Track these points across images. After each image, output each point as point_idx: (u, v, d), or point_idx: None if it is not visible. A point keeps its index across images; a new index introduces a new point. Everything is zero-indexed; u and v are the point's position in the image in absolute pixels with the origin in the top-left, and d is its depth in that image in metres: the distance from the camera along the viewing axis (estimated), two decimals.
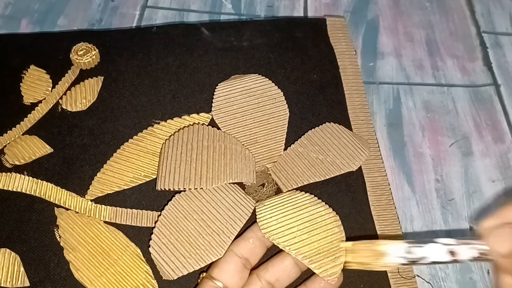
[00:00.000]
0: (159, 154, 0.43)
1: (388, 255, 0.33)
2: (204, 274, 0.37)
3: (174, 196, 0.40)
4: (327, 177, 0.42)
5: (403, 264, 0.33)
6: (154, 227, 0.39)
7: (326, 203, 0.41)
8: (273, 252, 0.39)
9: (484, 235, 0.29)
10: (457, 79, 0.52)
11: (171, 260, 0.37)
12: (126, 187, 0.42)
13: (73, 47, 0.49)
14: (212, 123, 0.45)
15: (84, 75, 0.49)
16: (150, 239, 0.39)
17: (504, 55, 0.54)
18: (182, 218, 0.39)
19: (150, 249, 0.38)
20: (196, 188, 0.40)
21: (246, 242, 0.37)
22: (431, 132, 0.48)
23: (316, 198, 0.40)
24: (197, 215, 0.39)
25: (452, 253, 0.31)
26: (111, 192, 0.42)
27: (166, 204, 0.40)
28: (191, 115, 0.46)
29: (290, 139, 0.45)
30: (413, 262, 0.32)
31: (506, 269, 0.27)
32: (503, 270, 0.28)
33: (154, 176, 0.43)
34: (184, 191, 0.41)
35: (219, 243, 0.38)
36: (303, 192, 0.40)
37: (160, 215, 0.40)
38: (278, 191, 0.42)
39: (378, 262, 0.33)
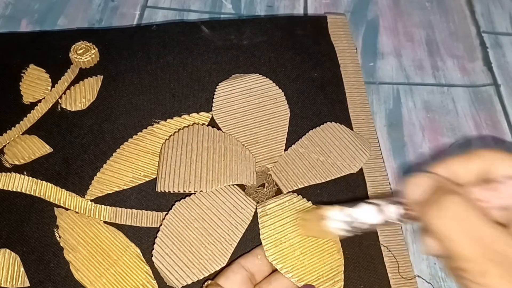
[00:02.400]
0: (158, 154, 0.43)
1: (330, 218, 0.34)
2: (210, 281, 0.37)
3: (174, 204, 0.40)
4: (328, 179, 0.42)
5: (345, 230, 0.34)
6: (156, 236, 0.39)
7: (326, 203, 0.41)
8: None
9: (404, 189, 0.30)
10: (457, 79, 0.52)
11: (174, 270, 0.37)
12: (126, 187, 0.42)
13: (73, 46, 0.49)
14: (212, 123, 0.45)
15: (83, 74, 0.48)
16: (153, 248, 0.39)
17: (504, 55, 0.54)
18: (184, 227, 0.39)
19: (153, 258, 0.38)
20: (196, 191, 0.40)
21: (254, 258, 0.38)
22: (431, 132, 0.48)
23: None
24: (198, 223, 0.39)
25: (381, 211, 0.31)
26: (111, 192, 0.42)
27: (167, 213, 0.40)
28: (191, 115, 0.46)
29: (291, 138, 0.45)
30: (353, 227, 0.33)
31: (420, 217, 0.28)
32: (419, 220, 0.28)
33: (154, 176, 0.43)
34: (184, 195, 0.41)
35: (221, 252, 0.38)
36: (304, 200, 0.41)
37: (161, 224, 0.40)
38: (279, 192, 0.42)
39: (323, 227, 0.35)
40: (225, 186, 0.41)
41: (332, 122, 0.46)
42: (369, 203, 0.32)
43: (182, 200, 0.40)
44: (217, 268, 0.38)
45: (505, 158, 0.27)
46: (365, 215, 0.32)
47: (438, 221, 0.26)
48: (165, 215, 0.40)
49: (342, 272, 0.38)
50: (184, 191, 0.40)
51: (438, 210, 0.26)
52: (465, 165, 0.28)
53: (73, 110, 0.46)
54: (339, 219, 0.34)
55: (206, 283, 0.37)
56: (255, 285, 0.37)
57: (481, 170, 0.28)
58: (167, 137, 0.44)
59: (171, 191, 0.40)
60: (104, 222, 0.41)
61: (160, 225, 0.40)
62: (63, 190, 0.42)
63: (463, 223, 0.25)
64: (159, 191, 0.41)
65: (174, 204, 0.40)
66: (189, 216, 0.40)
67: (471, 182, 0.28)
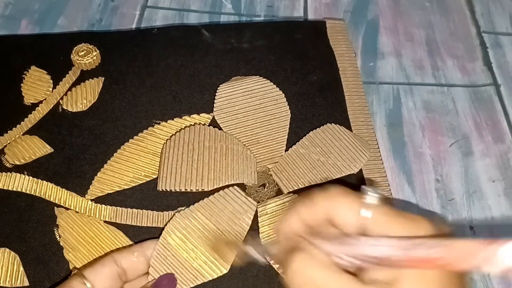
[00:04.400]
0: (160, 154, 0.43)
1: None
2: (76, 271, 0.35)
3: (174, 216, 0.39)
4: (328, 180, 0.42)
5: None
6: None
7: None
8: None
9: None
10: (457, 79, 0.52)
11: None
12: (126, 187, 0.42)
13: (74, 48, 0.49)
14: (213, 124, 0.45)
15: (84, 75, 0.49)
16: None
17: (504, 55, 0.54)
18: (180, 245, 0.38)
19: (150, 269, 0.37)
20: (198, 190, 0.40)
21: (130, 254, 0.36)
22: (431, 132, 0.48)
23: None
24: (200, 233, 0.39)
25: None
26: (111, 191, 0.42)
27: (168, 222, 0.39)
28: (191, 116, 0.46)
29: (290, 140, 0.45)
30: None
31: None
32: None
33: (155, 176, 0.43)
34: (185, 194, 0.41)
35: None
36: None
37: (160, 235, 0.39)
38: (279, 192, 0.42)
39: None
40: (224, 191, 0.41)
41: (332, 123, 0.46)
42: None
43: (182, 211, 0.40)
44: (216, 276, 0.37)
45: (339, 203, 0.28)
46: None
47: (287, 279, 0.27)
48: (165, 215, 0.40)
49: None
50: (185, 189, 0.40)
51: (286, 268, 0.27)
52: (311, 212, 0.29)
53: (74, 111, 0.46)
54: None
55: (73, 272, 0.35)
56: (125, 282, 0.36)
57: (326, 216, 0.29)
58: (168, 138, 0.44)
59: (173, 190, 0.40)
60: (104, 221, 0.41)
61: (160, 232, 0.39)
62: (63, 190, 0.42)
63: (304, 276, 0.27)
64: (160, 190, 0.41)
65: (174, 216, 0.39)
66: (188, 226, 0.39)
67: (324, 230, 0.29)
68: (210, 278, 0.37)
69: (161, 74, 0.49)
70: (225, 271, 0.37)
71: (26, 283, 0.38)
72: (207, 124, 0.45)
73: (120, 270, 0.35)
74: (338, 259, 0.27)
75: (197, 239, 0.38)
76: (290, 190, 0.42)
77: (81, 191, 0.42)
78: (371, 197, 0.28)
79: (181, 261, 0.37)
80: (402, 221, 0.27)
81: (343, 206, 0.28)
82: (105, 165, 0.43)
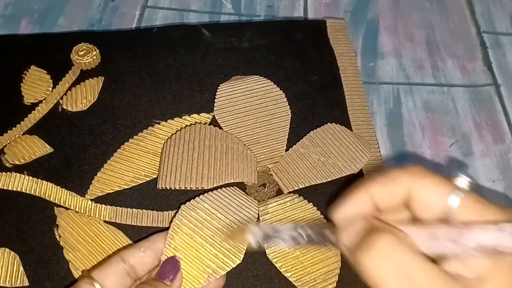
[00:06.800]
0: (160, 153, 0.43)
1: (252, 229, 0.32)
2: (84, 272, 0.35)
3: (179, 208, 0.39)
4: (329, 180, 0.42)
5: (260, 240, 0.32)
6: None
7: (326, 204, 0.42)
8: None
9: (338, 227, 0.27)
10: (457, 79, 0.52)
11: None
12: (126, 187, 0.42)
13: (74, 48, 0.49)
14: (213, 123, 0.45)
15: (84, 75, 0.49)
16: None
17: (504, 55, 0.54)
18: (192, 230, 0.38)
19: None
20: (198, 188, 0.40)
21: (136, 250, 0.36)
22: (431, 132, 0.48)
23: (319, 213, 0.41)
24: (207, 224, 0.38)
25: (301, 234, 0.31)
26: (111, 191, 0.42)
27: (173, 218, 0.38)
28: (191, 115, 0.46)
29: (290, 140, 0.45)
30: (269, 237, 0.31)
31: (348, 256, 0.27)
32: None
33: (154, 176, 0.43)
34: (185, 193, 0.41)
35: (235, 249, 0.37)
36: (305, 201, 0.41)
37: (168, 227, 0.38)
38: (279, 192, 0.42)
39: (243, 233, 0.33)
40: (226, 188, 0.41)
41: (333, 123, 0.46)
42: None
43: (187, 203, 0.39)
44: (230, 268, 0.36)
45: (424, 182, 0.25)
46: (285, 231, 0.31)
47: (367, 262, 0.24)
48: (165, 215, 0.40)
49: (337, 274, 0.38)
50: (185, 187, 0.40)
51: (367, 250, 0.24)
52: (388, 192, 0.26)
53: (74, 110, 0.46)
54: (260, 231, 0.32)
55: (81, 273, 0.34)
56: (140, 284, 0.35)
57: (405, 197, 0.26)
58: (168, 137, 0.44)
59: (172, 188, 0.40)
60: (104, 221, 0.41)
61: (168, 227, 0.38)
62: (63, 189, 0.42)
63: (392, 260, 0.23)
64: (160, 188, 0.41)
65: (179, 208, 0.39)
66: (196, 218, 0.38)
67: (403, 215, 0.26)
68: (223, 273, 0.36)
69: (161, 73, 0.49)
70: (238, 261, 0.36)
71: (26, 283, 0.38)
72: (207, 124, 0.45)
73: (128, 267, 0.35)
74: (435, 245, 0.23)
75: (206, 231, 0.37)
76: (290, 190, 0.42)
77: (81, 191, 0.42)
78: (462, 181, 0.24)
79: (191, 261, 0.36)
80: (496, 211, 0.24)
81: (428, 186, 0.25)
82: (105, 165, 0.43)
